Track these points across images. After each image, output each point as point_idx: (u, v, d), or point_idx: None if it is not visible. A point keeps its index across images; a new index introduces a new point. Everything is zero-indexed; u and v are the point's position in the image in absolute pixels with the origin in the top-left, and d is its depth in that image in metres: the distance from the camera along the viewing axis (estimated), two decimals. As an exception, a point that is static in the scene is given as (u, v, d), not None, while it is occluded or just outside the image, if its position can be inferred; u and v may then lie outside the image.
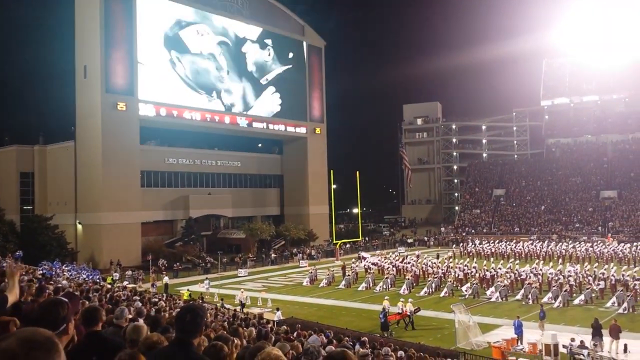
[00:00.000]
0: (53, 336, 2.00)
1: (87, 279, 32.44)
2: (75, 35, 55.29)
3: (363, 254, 55.69)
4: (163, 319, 9.28)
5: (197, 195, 64.41)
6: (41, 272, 28.18)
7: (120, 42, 54.62)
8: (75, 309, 3.54)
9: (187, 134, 66.86)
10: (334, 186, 68.31)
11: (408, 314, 26.57)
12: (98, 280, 33.76)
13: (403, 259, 47.34)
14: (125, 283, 38.22)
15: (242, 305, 30.87)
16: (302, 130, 74.29)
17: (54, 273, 29.12)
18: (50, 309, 3.12)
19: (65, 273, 32.20)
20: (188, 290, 34.93)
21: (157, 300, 22.74)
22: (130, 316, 9.17)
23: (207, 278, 40.89)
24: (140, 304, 14.80)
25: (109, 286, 27.32)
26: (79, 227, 55.38)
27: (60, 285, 17.27)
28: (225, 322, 16.27)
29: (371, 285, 38.75)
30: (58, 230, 51.60)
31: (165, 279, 40.19)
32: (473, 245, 59.09)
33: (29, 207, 60.11)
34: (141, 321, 7.03)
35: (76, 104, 55.24)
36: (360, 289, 38.36)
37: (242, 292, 33.38)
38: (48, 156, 60.84)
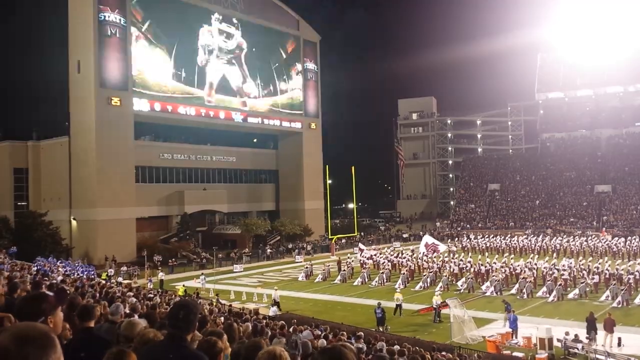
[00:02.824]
0: (49, 332, 1.98)
1: (81, 274, 32.35)
2: (68, 29, 55.00)
3: (361, 245, 55.79)
4: (158, 314, 9.25)
5: (192, 190, 64.30)
6: (36, 268, 28.09)
7: (114, 36, 54.34)
8: (60, 303, 3.52)
9: (181, 129, 66.65)
10: (329, 181, 68.23)
11: (434, 307, 26.62)
12: (93, 276, 33.69)
13: (398, 254, 47.39)
14: (120, 279, 38.20)
15: (277, 303, 29.71)
16: (297, 125, 74.22)
17: (48, 269, 29.03)
18: (29, 302, 3.14)
19: (60, 269, 32.10)
20: (184, 285, 34.91)
21: (152, 295, 22.71)
22: (127, 311, 9.16)
23: (202, 274, 40.90)
24: (134, 300, 14.76)
25: (104, 282, 27.26)
26: (74, 223, 55.24)
27: (54, 281, 17.21)
28: (222, 318, 16.26)
29: (367, 280, 38.84)
30: (52, 227, 51.42)
31: (161, 275, 40.20)
32: (468, 240, 59.24)
33: (23, 203, 59.91)
34: (136, 317, 7.00)
35: (70, 99, 55.03)
36: (355, 284, 38.43)
37: (276, 289, 32.03)
38: (42, 152, 60.59)
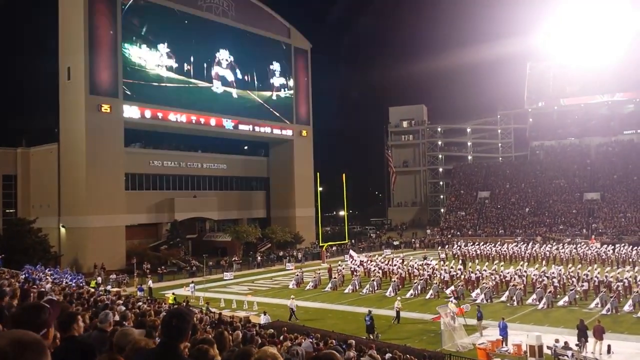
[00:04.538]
0: (42, 339, 2.07)
1: (70, 282, 32.07)
2: (59, 36, 54.81)
3: (352, 252, 55.70)
4: (147, 322, 9.18)
5: (182, 198, 64.04)
6: (24, 276, 27.82)
7: (105, 43, 54.23)
8: (56, 315, 3.50)
9: (172, 136, 66.46)
10: (320, 189, 68.26)
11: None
12: (82, 284, 33.41)
13: (389, 262, 47.44)
14: (108, 287, 37.93)
15: (293, 312, 29.50)
16: (288, 132, 74.25)
17: (37, 277, 28.75)
18: (30, 313, 3.10)
19: (48, 277, 31.81)
20: (173, 294, 34.71)
21: (141, 303, 22.56)
22: (117, 319, 9.09)
23: (192, 282, 40.68)
24: (124, 308, 14.66)
25: (93, 290, 27.05)
26: (63, 230, 54.81)
27: (43, 289, 17.06)
28: (212, 326, 16.18)
29: (357, 287, 38.81)
30: (41, 234, 50.96)
31: (149, 283, 39.91)
32: (458, 247, 59.41)
33: (11, 210, 59.39)
34: (131, 326, 6.96)
35: (60, 106, 54.71)
36: (346, 291, 38.40)
37: (293, 298, 31.65)
38: (31, 158, 60.19)
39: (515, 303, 31.59)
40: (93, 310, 9.94)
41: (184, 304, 29.34)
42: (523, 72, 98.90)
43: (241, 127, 67.98)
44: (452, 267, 41.68)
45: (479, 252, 56.39)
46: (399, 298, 31.18)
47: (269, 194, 76.94)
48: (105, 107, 53.63)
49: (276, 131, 72.68)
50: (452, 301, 28.27)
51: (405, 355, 16.99)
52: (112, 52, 54.82)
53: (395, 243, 74.60)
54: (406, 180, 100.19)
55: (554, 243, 59.53)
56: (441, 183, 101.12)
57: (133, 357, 3.76)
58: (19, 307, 4.25)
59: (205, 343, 4.23)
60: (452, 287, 35.65)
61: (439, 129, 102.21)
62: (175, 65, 61.41)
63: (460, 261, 50.26)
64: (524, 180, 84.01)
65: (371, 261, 48.50)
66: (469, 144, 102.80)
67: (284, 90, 75.12)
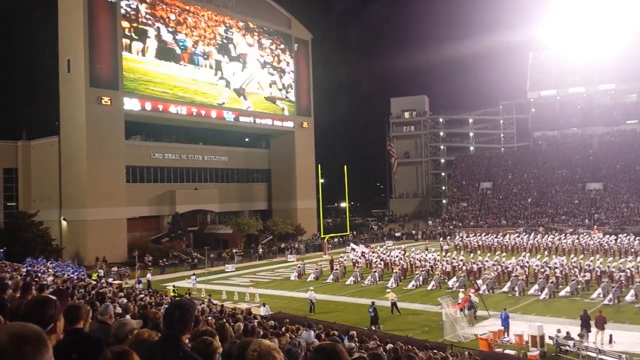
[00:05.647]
0: (42, 332, 1.99)
1: (72, 275, 32.10)
2: (58, 28, 54.59)
3: (353, 245, 55.60)
4: (149, 314, 9.15)
5: (183, 190, 64.01)
6: (26, 269, 27.85)
7: (104, 35, 54.00)
8: (64, 307, 3.46)
9: (172, 128, 66.32)
10: (321, 180, 68.15)
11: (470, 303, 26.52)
12: (83, 277, 33.44)
13: (390, 253, 47.41)
14: (110, 279, 37.98)
15: (312, 304, 29.42)
16: (289, 124, 74.06)
17: (39, 270, 28.79)
18: (37, 307, 3.08)
19: (50, 270, 31.84)
20: (174, 286, 34.74)
21: (142, 296, 22.60)
22: (119, 311, 9.06)
23: (194, 274, 40.73)
24: (125, 300, 14.65)
25: (95, 283, 27.08)
26: (64, 223, 54.85)
27: (45, 282, 17.06)
28: (213, 318, 16.16)
29: (359, 279, 38.85)
30: (42, 227, 51.02)
31: (148, 276, 39.92)
32: (460, 239, 59.40)
33: (12, 204, 59.40)
34: (128, 317, 6.92)
35: (60, 98, 54.58)
36: (348, 283, 38.44)
37: (312, 289, 31.16)
38: (32, 152, 60.13)
39: (517, 293, 31.60)
40: (90, 304, 9.90)
41: (187, 295, 29.36)
42: (525, 62, 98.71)
43: (242, 119, 67.82)
44: (454, 258, 41.66)
45: (480, 243, 56.36)
46: (388, 291, 30.84)
47: (270, 186, 76.88)
48: (106, 100, 53.49)
49: (277, 123, 72.50)
50: (471, 293, 28.23)
51: (407, 345, 16.98)
52: (112, 44, 54.59)
53: (397, 234, 74.60)
54: (408, 172, 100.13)
55: (556, 233, 59.46)
56: (443, 174, 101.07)
57: (136, 350, 3.72)
58: (25, 302, 4.21)
59: (207, 334, 4.20)
60: (454, 278, 35.66)
61: (441, 120, 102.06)
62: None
63: (465, 252, 50.26)
64: (526, 170, 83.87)
65: (373, 252, 48.51)
66: (471, 134, 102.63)
67: (285, 82, 74.81)
